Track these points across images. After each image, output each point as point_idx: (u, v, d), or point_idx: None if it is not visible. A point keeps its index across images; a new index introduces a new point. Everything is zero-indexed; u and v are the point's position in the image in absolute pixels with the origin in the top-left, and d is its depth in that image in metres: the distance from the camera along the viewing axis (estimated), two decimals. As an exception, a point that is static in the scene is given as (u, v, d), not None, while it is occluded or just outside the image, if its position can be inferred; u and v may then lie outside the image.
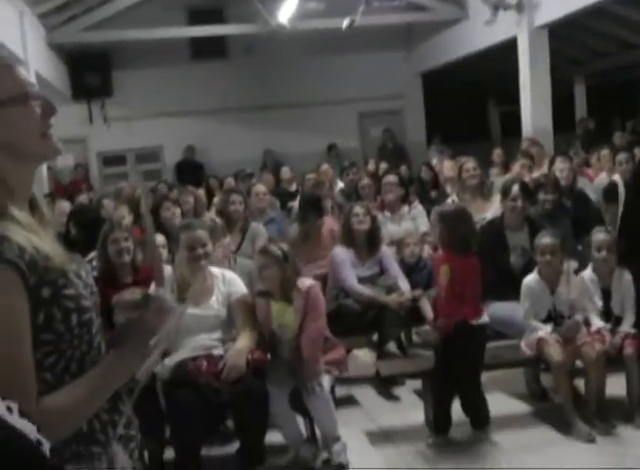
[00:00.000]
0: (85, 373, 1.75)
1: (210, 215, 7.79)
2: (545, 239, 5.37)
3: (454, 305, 4.91)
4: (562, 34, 14.26)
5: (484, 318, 5.04)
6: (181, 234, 5.09)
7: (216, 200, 9.17)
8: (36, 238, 1.69)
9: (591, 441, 4.95)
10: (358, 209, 6.53)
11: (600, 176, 9.11)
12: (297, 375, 4.90)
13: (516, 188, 6.16)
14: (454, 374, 5.08)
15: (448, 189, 9.11)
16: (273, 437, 5.00)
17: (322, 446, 5.00)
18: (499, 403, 5.37)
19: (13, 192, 1.71)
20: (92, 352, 1.80)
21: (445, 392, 5.13)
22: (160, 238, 6.14)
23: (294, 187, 11.53)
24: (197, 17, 15.73)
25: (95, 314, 1.83)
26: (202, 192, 10.38)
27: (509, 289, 5.68)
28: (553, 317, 5.35)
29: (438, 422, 5.16)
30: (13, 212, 1.68)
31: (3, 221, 1.65)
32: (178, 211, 8.06)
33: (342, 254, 6.46)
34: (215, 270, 5.14)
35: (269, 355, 5.07)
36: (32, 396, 1.61)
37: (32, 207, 1.81)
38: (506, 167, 10.30)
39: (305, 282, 5.06)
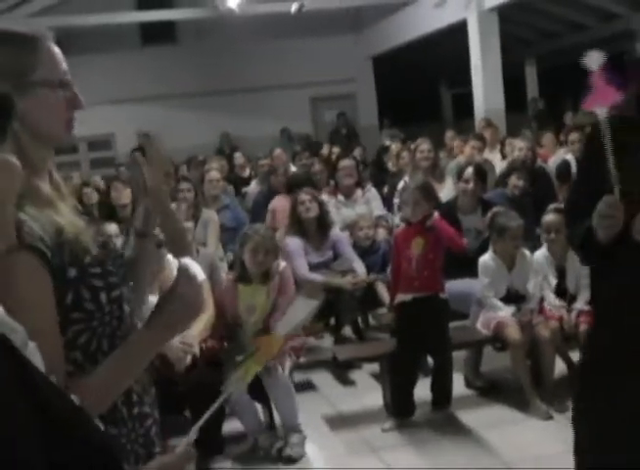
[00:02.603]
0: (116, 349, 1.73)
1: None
2: (513, 222, 5.40)
3: (425, 277, 4.97)
4: (511, 16, 14.34)
5: (446, 294, 5.15)
6: None
7: (168, 188, 9.09)
8: (52, 211, 1.69)
9: (549, 418, 5.00)
10: (304, 196, 6.48)
11: (556, 155, 9.17)
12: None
13: (469, 170, 6.19)
14: (416, 355, 5.18)
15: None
16: (232, 425, 4.98)
17: (281, 435, 4.97)
18: (456, 383, 5.39)
19: (36, 166, 1.72)
20: (123, 327, 1.79)
21: (408, 374, 5.15)
22: (112, 227, 6.06)
23: (247, 172, 11.47)
24: (146, 1, 15.56)
25: (125, 287, 1.81)
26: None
27: (463, 271, 5.71)
28: (513, 296, 5.40)
29: (400, 406, 5.17)
30: (35, 184, 1.70)
31: (23, 204, 1.63)
32: (128, 191, 7.96)
33: (292, 243, 6.42)
34: (171, 258, 5.07)
35: (226, 344, 5.06)
36: (60, 376, 1.58)
37: (49, 178, 1.82)
38: (459, 150, 10.34)
39: (281, 263, 5.16)
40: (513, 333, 5.17)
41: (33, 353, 1.19)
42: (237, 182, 10.71)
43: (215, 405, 1.76)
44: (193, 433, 1.65)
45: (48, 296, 1.64)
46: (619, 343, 2.60)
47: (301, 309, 1.96)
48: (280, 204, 7.62)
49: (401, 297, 5.12)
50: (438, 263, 5.07)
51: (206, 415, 1.69)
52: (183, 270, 1.75)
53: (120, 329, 1.78)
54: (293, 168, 10.49)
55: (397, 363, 5.17)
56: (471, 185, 6.11)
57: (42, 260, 1.62)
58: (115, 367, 1.71)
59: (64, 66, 1.79)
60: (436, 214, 5.01)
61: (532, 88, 19.46)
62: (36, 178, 1.72)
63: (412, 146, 8.52)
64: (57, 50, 1.79)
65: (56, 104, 1.76)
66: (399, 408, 5.17)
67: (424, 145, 7.88)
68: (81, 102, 1.82)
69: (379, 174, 10.36)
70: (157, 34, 16.37)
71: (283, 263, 5.25)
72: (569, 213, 2.80)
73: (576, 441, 2.75)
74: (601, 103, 2.35)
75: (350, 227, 7.00)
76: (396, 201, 7.22)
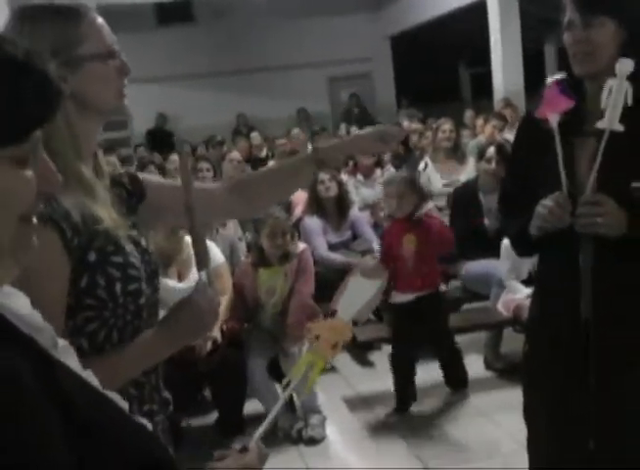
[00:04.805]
0: (123, 343, 1.71)
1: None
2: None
3: (425, 274, 4.92)
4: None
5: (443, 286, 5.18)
6: None
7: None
8: (90, 200, 1.66)
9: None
10: (323, 175, 6.39)
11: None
12: (278, 342, 4.86)
13: (491, 150, 6.11)
14: (414, 351, 5.15)
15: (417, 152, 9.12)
16: (252, 406, 4.97)
17: (301, 416, 4.96)
18: (475, 366, 5.36)
19: (80, 146, 1.70)
20: (136, 321, 1.74)
21: (408, 370, 5.10)
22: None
23: (264, 153, 11.42)
24: (161, -19, 15.48)
25: (147, 284, 1.76)
26: (174, 159, 10.21)
27: (483, 251, 5.68)
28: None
29: (401, 395, 5.12)
30: (79, 170, 1.67)
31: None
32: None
33: (311, 223, 6.39)
34: (189, 239, 5.03)
35: (246, 325, 5.04)
36: None
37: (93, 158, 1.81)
38: (481, 129, 10.25)
39: (299, 245, 5.11)
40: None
41: (65, 351, 1.14)
42: (254, 162, 10.68)
43: (277, 407, 1.74)
44: (258, 434, 1.63)
45: (52, 270, 1.60)
46: (552, 333, 2.58)
47: (364, 291, 1.87)
48: (299, 196, 7.52)
49: (402, 297, 5.00)
50: (435, 256, 5.01)
51: (270, 418, 1.67)
52: (201, 283, 1.73)
53: (133, 324, 1.74)
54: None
55: (396, 361, 5.11)
56: (493, 165, 6.04)
57: (58, 236, 1.59)
58: (114, 362, 1.67)
59: (110, 36, 1.78)
60: (429, 206, 4.93)
61: (551, 67, 19.27)
62: (80, 163, 1.69)
63: (434, 126, 8.45)
64: (101, 21, 1.77)
65: (106, 75, 1.74)
66: (401, 399, 5.12)
67: (446, 125, 7.83)
68: (129, 68, 1.79)
69: (398, 154, 10.27)
70: (172, 14, 16.31)
71: (302, 245, 5.22)
72: (503, 204, 2.82)
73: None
74: (553, 110, 2.43)
75: (371, 207, 6.96)
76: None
